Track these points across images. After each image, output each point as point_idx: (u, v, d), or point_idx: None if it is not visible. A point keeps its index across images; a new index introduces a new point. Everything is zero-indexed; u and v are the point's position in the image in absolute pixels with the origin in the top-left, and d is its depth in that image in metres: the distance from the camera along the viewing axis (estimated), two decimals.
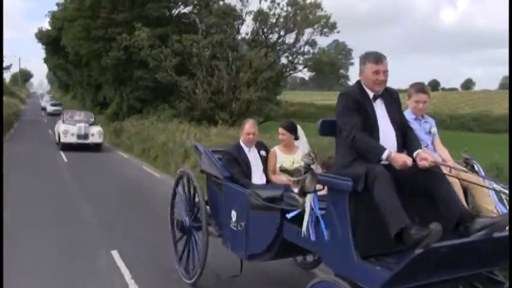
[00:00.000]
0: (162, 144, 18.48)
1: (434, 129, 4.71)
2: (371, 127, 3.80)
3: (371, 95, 3.91)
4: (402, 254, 3.32)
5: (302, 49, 29.44)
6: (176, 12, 32.53)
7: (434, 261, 3.24)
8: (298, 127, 5.70)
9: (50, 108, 49.96)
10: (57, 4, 37.01)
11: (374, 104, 3.90)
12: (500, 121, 44.30)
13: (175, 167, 14.60)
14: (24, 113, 48.02)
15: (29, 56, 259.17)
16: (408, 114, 4.50)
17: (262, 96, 26.30)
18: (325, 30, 28.56)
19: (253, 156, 5.55)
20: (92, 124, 22.73)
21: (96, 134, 21.98)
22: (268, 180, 5.51)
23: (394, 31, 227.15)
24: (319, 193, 3.87)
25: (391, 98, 4.01)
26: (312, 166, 3.85)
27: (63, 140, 21.53)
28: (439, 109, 49.90)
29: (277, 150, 5.66)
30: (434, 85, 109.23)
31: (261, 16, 28.40)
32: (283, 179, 5.42)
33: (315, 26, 28.21)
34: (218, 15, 28.10)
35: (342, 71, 52.00)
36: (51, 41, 43.29)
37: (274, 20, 28.57)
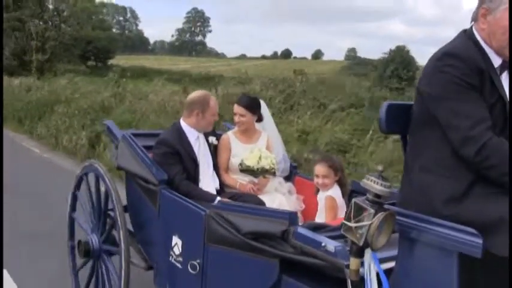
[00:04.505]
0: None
1: None
2: (502, 122, 2.07)
3: (497, 62, 2.13)
4: None
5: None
6: None
7: None
8: (262, 102, 3.91)
9: None
10: None
11: (502, 80, 2.13)
12: None
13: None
14: None
15: None
16: None
17: (51, 59, 36.46)
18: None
19: (201, 147, 3.61)
20: None
21: None
22: (220, 183, 3.69)
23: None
24: None
25: None
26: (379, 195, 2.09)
27: None
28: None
29: (231, 137, 3.82)
30: (287, 54, 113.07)
31: None
32: (242, 181, 3.66)
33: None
34: None
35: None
36: None
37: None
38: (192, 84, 12.62)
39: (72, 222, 3.97)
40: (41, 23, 37.86)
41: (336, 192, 3.38)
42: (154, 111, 11.02)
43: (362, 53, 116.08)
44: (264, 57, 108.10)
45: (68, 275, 3.95)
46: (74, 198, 3.91)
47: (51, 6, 40.15)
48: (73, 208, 3.94)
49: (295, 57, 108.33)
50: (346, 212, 2.06)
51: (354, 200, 2.04)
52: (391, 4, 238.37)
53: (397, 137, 7.71)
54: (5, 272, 4.42)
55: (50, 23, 38.95)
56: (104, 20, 61.39)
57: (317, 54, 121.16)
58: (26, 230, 5.55)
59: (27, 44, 36.69)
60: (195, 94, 3.74)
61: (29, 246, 5.10)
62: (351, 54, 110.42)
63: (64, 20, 39.89)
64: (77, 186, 3.85)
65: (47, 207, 6.34)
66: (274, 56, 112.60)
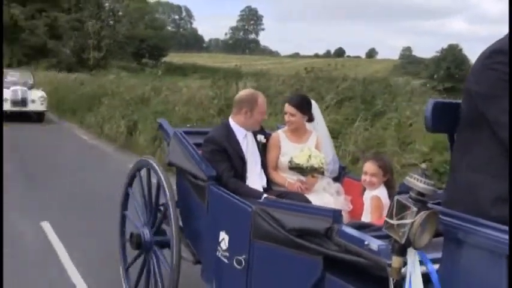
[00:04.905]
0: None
1: None
2: None
3: None
4: None
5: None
6: None
7: None
8: (314, 103, 3.93)
9: None
10: None
11: None
12: None
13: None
14: None
15: None
16: None
17: (106, 56, 41.27)
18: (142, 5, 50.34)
19: (249, 145, 3.66)
20: (31, 87, 16.95)
21: (37, 100, 16.47)
22: (268, 181, 3.72)
23: None
24: None
25: None
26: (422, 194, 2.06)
27: None
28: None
29: (281, 135, 3.84)
30: (340, 52, 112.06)
31: None
32: (291, 180, 3.68)
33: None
34: None
35: None
36: None
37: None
38: (221, 81, 13.59)
39: (123, 219, 4.10)
40: (98, 22, 41.67)
41: (382, 192, 3.36)
42: (183, 103, 12.56)
43: (420, 52, 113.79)
44: (317, 55, 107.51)
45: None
46: (126, 195, 4.04)
47: (107, 5, 44.13)
48: (125, 206, 4.08)
49: (348, 56, 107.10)
50: (388, 210, 2.04)
51: (396, 197, 2.01)
52: (453, 1, 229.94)
53: (380, 127, 8.30)
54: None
55: (106, 23, 43.07)
56: (156, 19, 66.06)
57: (371, 53, 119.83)
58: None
59: (85, 42, 40.69)
60: (244, 92, 3.78)
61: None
62: (406, 53, 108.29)
63: (119, 19, 44.14)
64: (130, 183, 3.98)
65: (92, 182, 8.24)
66: (327, 54, 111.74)
